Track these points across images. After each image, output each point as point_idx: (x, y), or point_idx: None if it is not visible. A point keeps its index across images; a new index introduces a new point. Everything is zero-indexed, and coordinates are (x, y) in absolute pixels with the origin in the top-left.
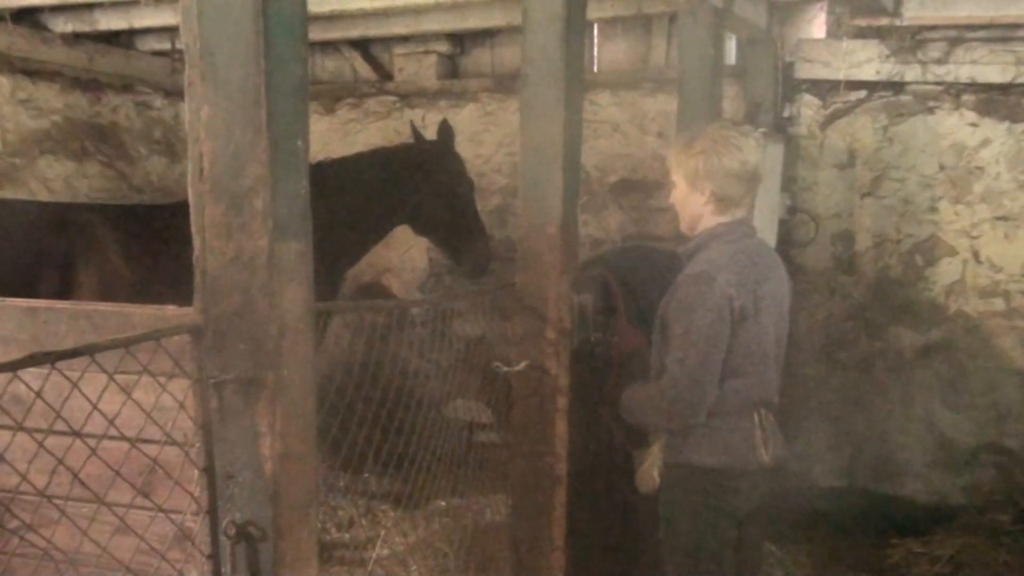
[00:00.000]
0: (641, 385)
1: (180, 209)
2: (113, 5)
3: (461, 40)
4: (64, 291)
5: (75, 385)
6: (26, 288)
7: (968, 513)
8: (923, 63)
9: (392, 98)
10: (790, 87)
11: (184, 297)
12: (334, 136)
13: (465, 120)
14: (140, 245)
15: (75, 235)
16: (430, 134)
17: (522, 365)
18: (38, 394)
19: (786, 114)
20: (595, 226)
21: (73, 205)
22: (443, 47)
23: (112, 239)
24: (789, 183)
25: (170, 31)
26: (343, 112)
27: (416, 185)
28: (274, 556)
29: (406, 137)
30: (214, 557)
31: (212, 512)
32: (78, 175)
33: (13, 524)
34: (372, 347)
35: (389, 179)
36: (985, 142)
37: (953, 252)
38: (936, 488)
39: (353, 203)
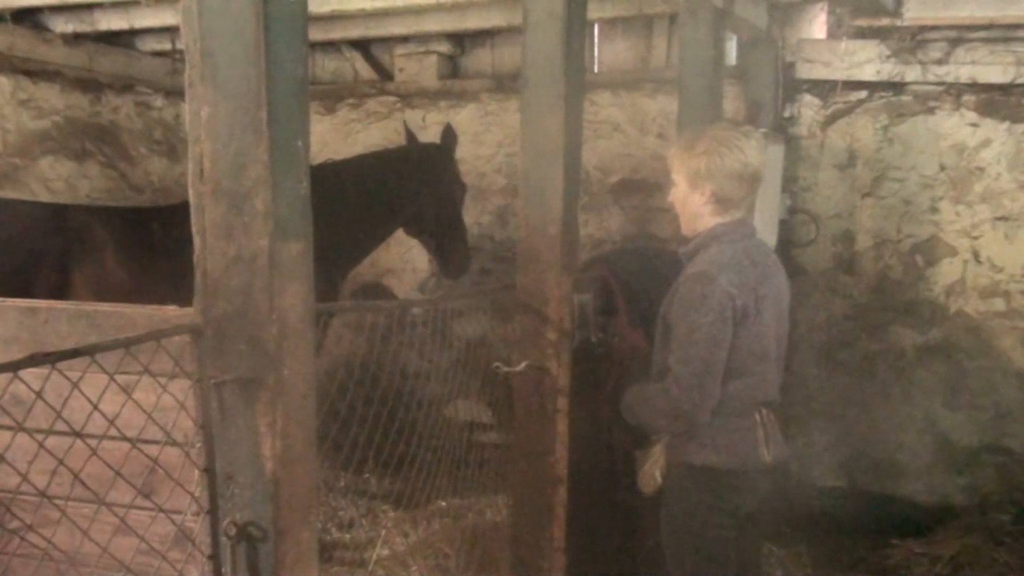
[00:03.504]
0: (644, 386)
1: (177, 211)
2: (113, 5)
3: (461, 40)
4: (60, 291)
5: (75, 385)
6: (23, 287)
7: (968, 513)
8: (923, 63)
9: (393, 98)
10: (791, 87)
11: (180, 299)
12: (335, 136)
13: (466, 120)
14: (137, 247)
15: (71, 236)
16: (432, 135)
17: (523, 365)
18: (38, 394)
19: (787, 114)
20: (595, 226)
21: (70, 206)
22: (444, 47)
23: (109, 240)
24: (789, 183)
25: (170, 31)
26: (344, 112)
27: (412, 189)
28: (275, 556)
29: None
30: (215, 557)
31: (213, 512)
32: (78, 175)
33: (14, 524)
34: (372, 347)
35: (384, 182)
36: (985, 142)
37: (953, 252)
38: (936, 488)
39: (347, 206)
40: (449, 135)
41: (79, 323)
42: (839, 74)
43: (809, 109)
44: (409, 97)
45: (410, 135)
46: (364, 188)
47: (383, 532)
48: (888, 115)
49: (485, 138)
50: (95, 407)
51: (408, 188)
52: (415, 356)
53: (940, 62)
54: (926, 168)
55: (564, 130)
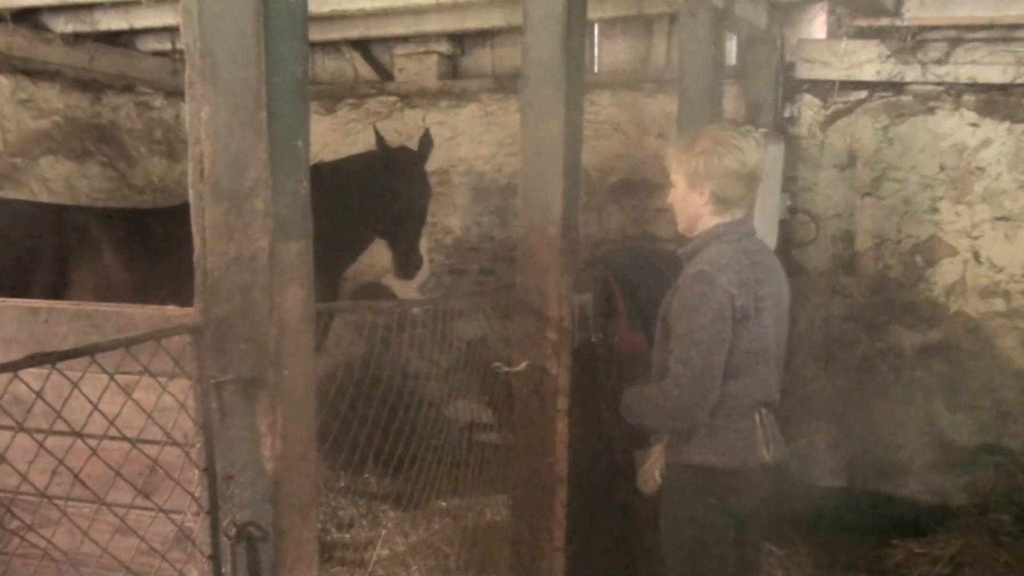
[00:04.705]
0: (643, 385)
1: (176, 211)
2: (113, 5)
3: (461, 40)
4: (59, 291)
5: (75, 385)
6: (22, 287)
7: (968, 513)
8: (923, 63)
9: (393, 98)
10: (791, 87)
11: (177, 300)
12: (335, 136)
13: (465, 120)
14: (136, 247)
15: (70, 236)
16: (432, 135)
17: (523, 365)
18: (38, 394)
19: (787, 114)
20: (595, 226)
21: (69, 206)
22: (444, 47)
23: (107, 240)
24: (790, 183)
25: (170, 31)
26: (344, 112)
27: (381, 192)
28: (274, 556)
29: (406, 138)
30: (215, 557)
31: (213, 512)
32: (79, 175)
33: (13, 524)
34: (373, 347)
35: (354, 187)
36: (985, 142)
37: (953, 252)
38: (936, 488)
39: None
40: (426, 141)
41: (79, 323)
42: (839, 74)
43: (809, 109)
44: (409, 97)
45: (379, 139)
46: (335, 193)
47: (383, 532)
48: (888, 115)
49: (485, 138)
50: (95, 407)
51: (377, 191)
52: (415, 356)
53: (940, 62)
54: (926, 168)
55: (564, 130)
